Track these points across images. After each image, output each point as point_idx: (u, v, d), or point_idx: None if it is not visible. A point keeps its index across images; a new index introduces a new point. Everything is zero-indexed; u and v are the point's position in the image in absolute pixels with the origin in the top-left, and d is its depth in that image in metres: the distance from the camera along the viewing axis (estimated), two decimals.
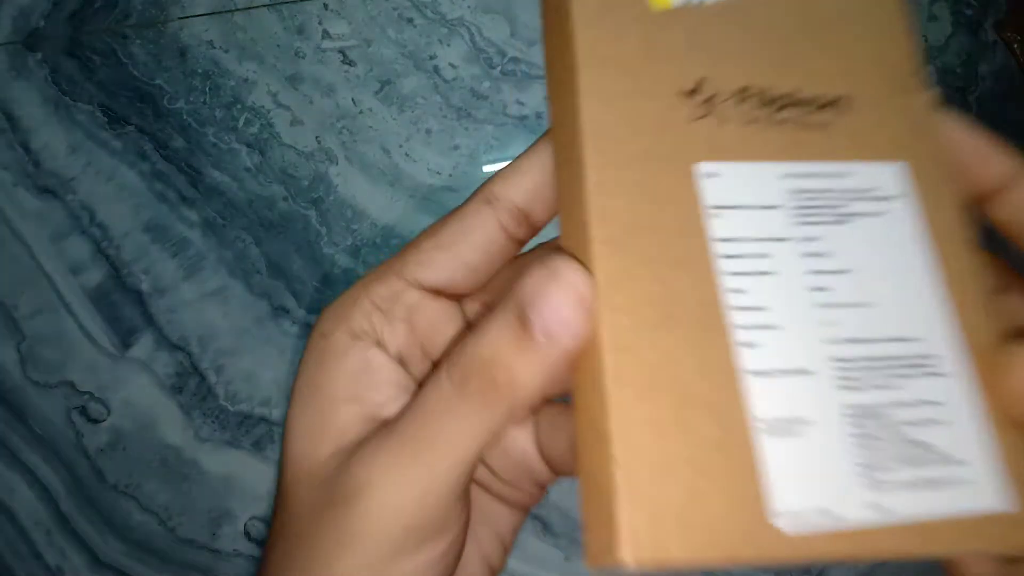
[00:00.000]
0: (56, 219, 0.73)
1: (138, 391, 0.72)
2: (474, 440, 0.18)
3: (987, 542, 0.17)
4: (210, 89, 0.75)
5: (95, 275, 0.72)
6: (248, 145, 0.74)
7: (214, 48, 0.75)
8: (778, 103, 0.20)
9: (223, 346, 0.72)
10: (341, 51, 0.76)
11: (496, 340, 0.17)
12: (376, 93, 0.75)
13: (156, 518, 0.71)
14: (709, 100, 0.20)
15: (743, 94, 0.20)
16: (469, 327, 0.22)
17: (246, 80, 0.75)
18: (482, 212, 0.20)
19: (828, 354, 0.18)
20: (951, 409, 0.18)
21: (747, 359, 0.17)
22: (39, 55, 0.75)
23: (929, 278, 0.19)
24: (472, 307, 0.22)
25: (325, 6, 0.76)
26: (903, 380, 0.18)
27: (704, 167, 0.19)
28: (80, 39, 0.75)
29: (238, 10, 0.76)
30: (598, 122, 0.19)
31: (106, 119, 0.74)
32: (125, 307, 0.72)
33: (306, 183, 0.74)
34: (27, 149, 0.73)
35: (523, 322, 0.17)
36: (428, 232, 0.21)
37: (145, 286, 0.72)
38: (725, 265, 0.18)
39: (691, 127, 0.19)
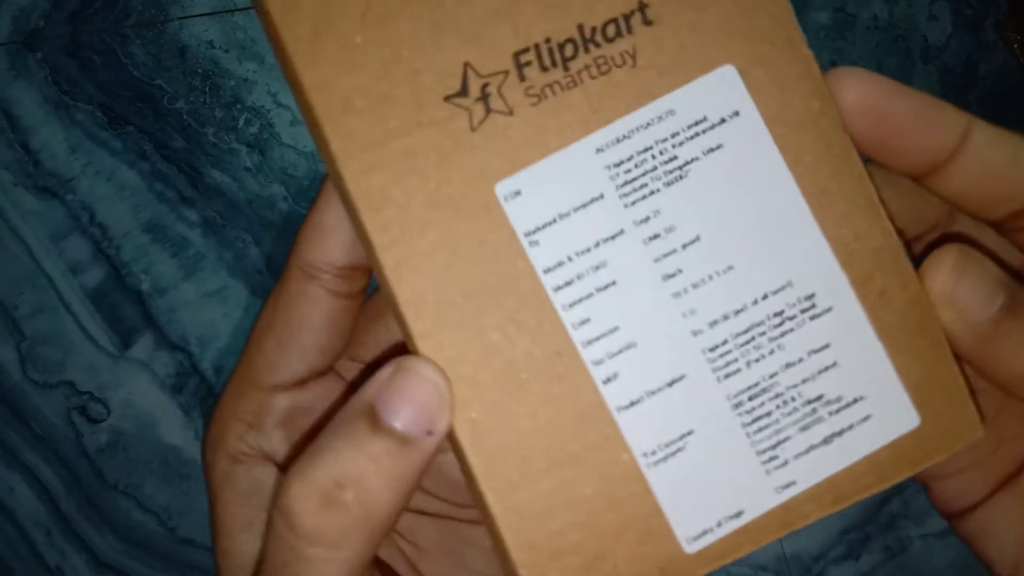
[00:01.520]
0: (56, 219, 0.73)
1: (138, 391, 0.72)
2: None
3: (905, 466, 0.16)
4: (210, 89, 0.75)
5: (95, 275, 0.72)
6: (248, 145, 0.74)
7: (214, 48, 0.75)
8: (568, 52, 0.15)
9: (223, 346, 0.72)
10: None
11: (339, 454, 0.15)
12: None
13: (156, 518, 0.71)
14: (484, 91, 0.15)
15: (520, 62, 0.15)
16: (352, 388, 0.20)
17: (246, 80, 0.75)
18: (308, 291, 0.18)
19: (698, 347, 0.15)
20: (838, 348, 0.16)
21: (612, 395, 0.15)
22: (39, 55, 0.75)
23: (792, 202, 0.16)
24: (346, 366, 0.20)
25: None
26: (785, 338, 0.16)
27: (502, 188, 0.15)
28: (80, 39, 0.75)
29: (238, 10, 0.76)
30: (367, 195, 0.15)
31: (106, 119, 0.74)
32: (125, 307, 0.72)
33: (306, 183, 0.74)
34: (27, 149, 0.73)
35: (373, 425, 0.15)
36: (263, 325, 0.19)
37: (145, 286, 0.72)
38: (559, 298, 0.15)
39: (475, 139, 0.15)
